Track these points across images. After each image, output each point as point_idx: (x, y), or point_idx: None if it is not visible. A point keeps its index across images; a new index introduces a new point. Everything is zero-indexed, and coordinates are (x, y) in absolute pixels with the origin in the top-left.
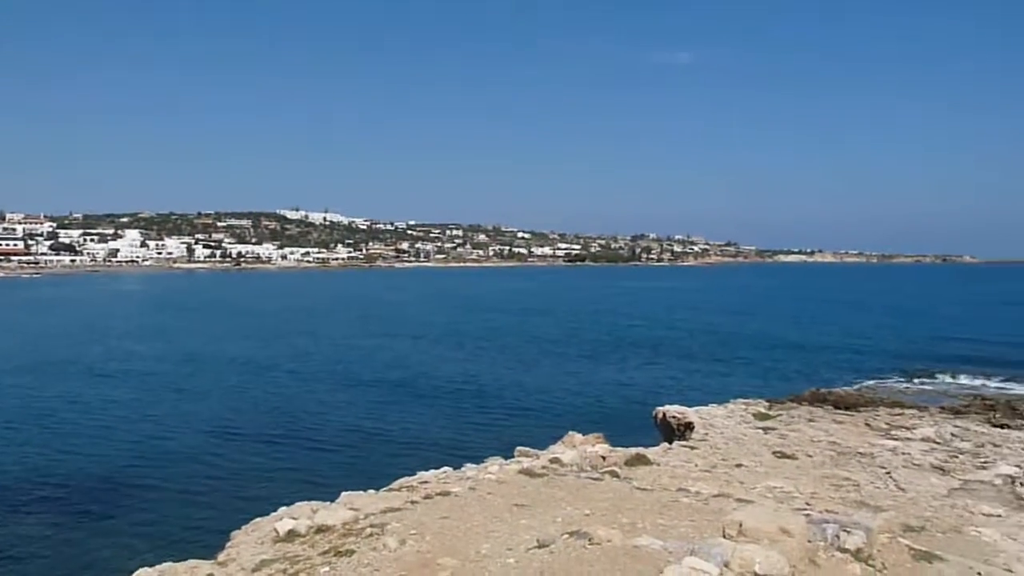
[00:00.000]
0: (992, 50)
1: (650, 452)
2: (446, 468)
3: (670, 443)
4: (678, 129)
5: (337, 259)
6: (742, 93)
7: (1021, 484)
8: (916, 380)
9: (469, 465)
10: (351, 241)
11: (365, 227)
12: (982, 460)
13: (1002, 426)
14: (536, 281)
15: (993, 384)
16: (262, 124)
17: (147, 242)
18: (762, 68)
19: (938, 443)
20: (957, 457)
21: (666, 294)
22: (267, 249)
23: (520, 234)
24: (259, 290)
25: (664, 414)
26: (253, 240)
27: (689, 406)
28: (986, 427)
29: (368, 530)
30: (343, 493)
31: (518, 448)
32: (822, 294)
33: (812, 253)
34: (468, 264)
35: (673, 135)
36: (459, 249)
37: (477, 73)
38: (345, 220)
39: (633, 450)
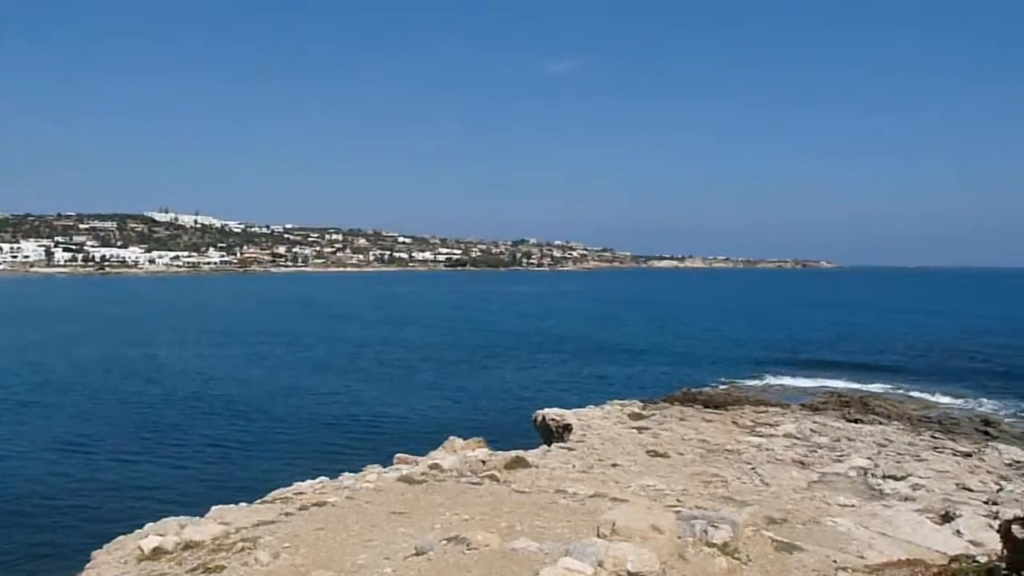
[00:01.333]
0: (859, 56)
1: (529, 455)
2: (322, 478)
3: (549, 445)
4: (558, 137)
5: (209, 263)
6: (619, 102)
7: (872, 475)
8: (779, 379)
9: (347, 474)
10: (224, 245)
11: (239, 230)
12: (838, 454)
13: (856, 421)
14: (416, 286)
15: (847, 382)
16: (129, 122)
17: (1, 245)
18: (638, 77)
19: (799, 439)
20: (816, 452)
21: (546, 298)
22: (134, 253)
23: (401, 239)
24: (121, 296)
25: (544, 417)
26: (118, 243)
27: (568, 408)
28: (842, 422)
29: (239, 544)
30: (213, 507)
31: (397, 455)
32: (693, 298)
33: (683, 258)
34: (348, 269)
35: (553, 143)
36: (339, 254)
37: (357, 76)
38: (218, 223)
39: (513, 453)
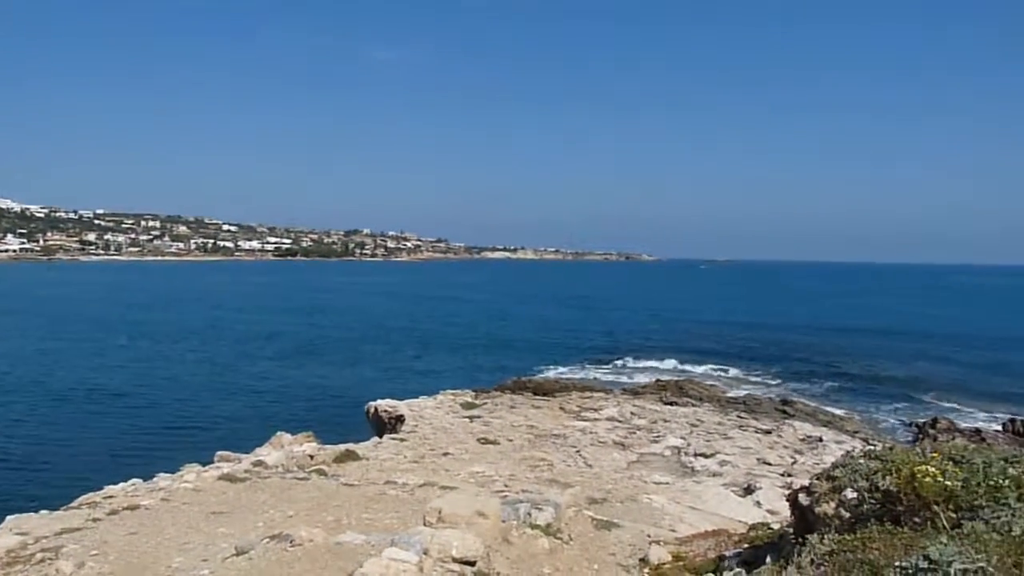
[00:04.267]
0: (656, 57)
1: (360, 447)
2: (135, 480)
3: (381, 437)
4: (388, 125)
5: (7, 251)
6: (446, 93)
7: (685, 454)
8: (605, 366)
9: (162, 475)
10: (24, 231)
11: (42, 215)
12: (655, 435)
13: (672, 404)
14: (237, 276)
15: (666, 368)
16: None
17: None
18: (466, 68)
19: (620, 422)
20: (635, 433)
21: (378, 289)
22: None
23: (226, 227)
24: None
25: (376, 409)
26: None
27: (401, 400)
28: (659, 405)
29: (39, 555)
30: (8, 517)
31: (218, 453)
32: (524, 289)
33: (515, 250)
34: (167, 258)
35: (384, 132)
36: (156, 242)
37: (178, 60)
38: (17, 207)
39: (343, 446)
